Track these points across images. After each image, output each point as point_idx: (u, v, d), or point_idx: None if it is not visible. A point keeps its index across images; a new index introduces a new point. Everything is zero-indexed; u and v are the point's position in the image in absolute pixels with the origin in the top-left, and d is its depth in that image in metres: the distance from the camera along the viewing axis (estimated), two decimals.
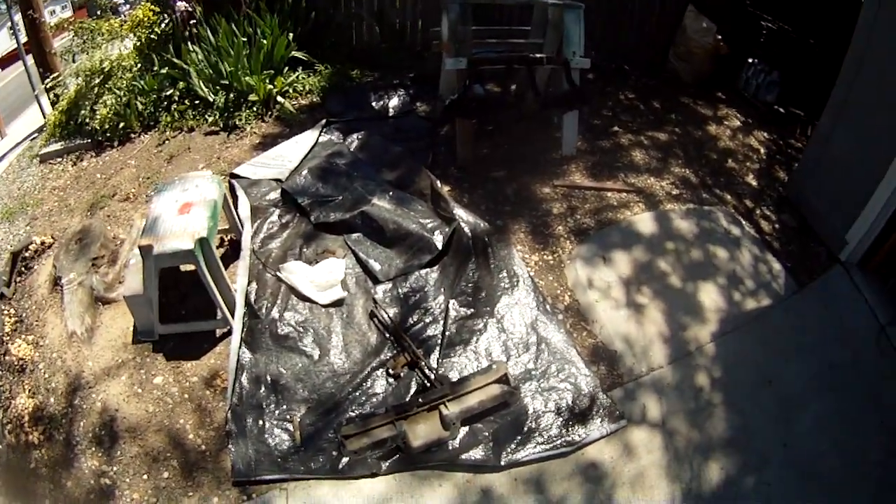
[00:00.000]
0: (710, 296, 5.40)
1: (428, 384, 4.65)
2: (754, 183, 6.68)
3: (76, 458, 4.58)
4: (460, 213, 5.63)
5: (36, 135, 9.23)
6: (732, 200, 6.37)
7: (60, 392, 4.97)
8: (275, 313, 5.08)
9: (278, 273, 5.32)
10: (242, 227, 5.66)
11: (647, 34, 8.47)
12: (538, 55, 6.43)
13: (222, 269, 4.89)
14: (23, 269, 6.30)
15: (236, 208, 5.75)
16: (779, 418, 4.75)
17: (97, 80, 7.99)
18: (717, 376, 4.92)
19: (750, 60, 8.18)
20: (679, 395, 4.79)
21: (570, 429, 4.51)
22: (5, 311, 5.83)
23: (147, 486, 4.40)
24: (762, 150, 7.28)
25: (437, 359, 4.83)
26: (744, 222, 6.10)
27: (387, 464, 4.33)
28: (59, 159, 8.03)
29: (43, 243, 6.42)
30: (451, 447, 4.38)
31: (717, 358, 5.02)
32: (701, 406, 4.76)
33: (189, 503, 4.31)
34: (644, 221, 5.94)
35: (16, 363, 5.29)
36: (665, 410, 4.70)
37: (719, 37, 7.96)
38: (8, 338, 5.56)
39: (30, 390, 5.07)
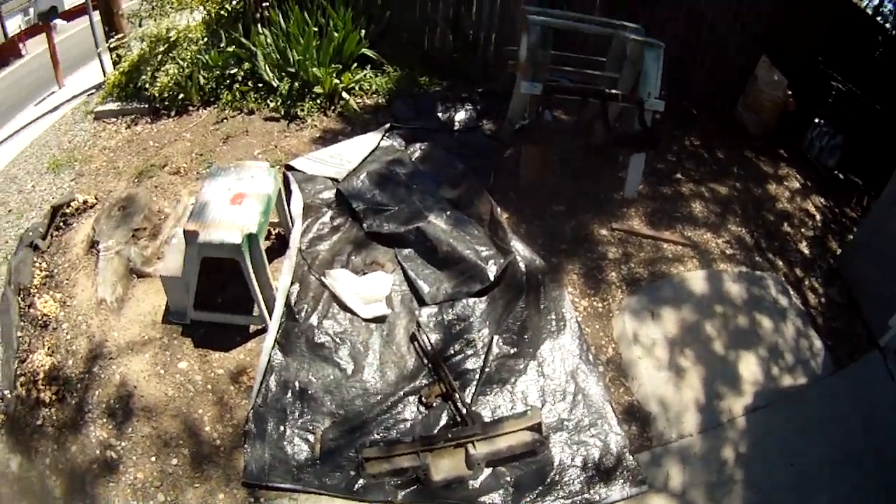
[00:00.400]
0: (749, 367, 5.26)
1: (459, 419, 4.53)
2: (806, 251, 6.50)
3: (85, 426, 4.53)
4: (518, 246, 5.49)
5: (93, 91, 9.18)
6: (784, 267, 6.19)
7: (80, 356, 4.90)
8: (314, 319, 4.96)
9: (323, 278, 5.20)
10: (293, 224, 5.53)
11: (719, 79, 8.26)
12: (614, 91, 6.25)
13: (267, 266, 4.78)
14: (61, 224, 6.24)
15: (289, 203, 5.62)
16: (797, 501, 4.64)
17: (161, 48, 7.92)
18: (743, 451, 4.81)
19: (816, 120, 7.94)
20: (704, 467, 4.68)
21: (592, 486, 4.40)
22: (37, 264, 5.78)
23: (153, 468, 4.35)
24: (818, 217, 7.09)
25: (473, 394, 4.70)
26: (792, 292, 5.93)
27: (403, 493, 4.24)
28: (114, 120, 7.97)
29: (85, 202, 6.36)
30: (471, 487, 4.28)
31: (746, 432, 4.91)
32: (723, 480, 4.65)
33: (194, 494, 4.25)
34: (696, 279, 5.80)
35: (40, 318, 5.24)
36: (687, 481, 4.60)
37: (789, 92, 7.74)
38: (36, 290, 5.51)
39: (49, 348, 5.01)
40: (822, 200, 7.35)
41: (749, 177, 7.33)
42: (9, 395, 4.85)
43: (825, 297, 6.03)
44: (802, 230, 6.78)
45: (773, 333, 5.52)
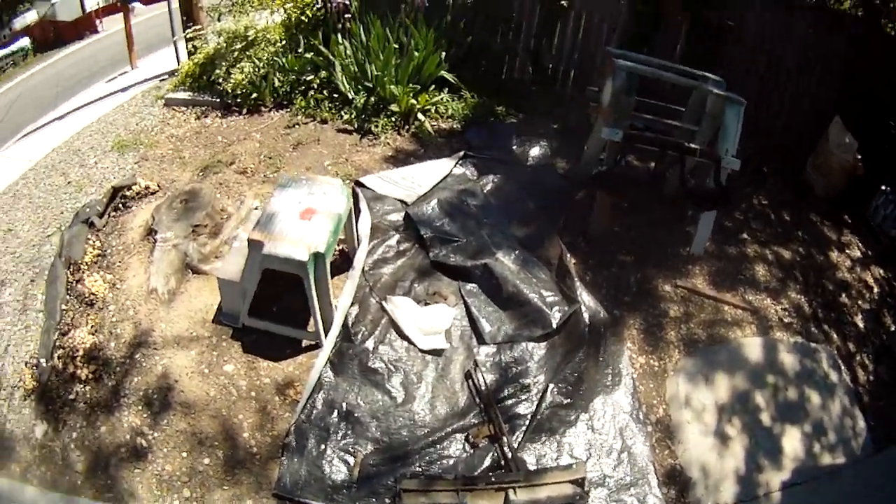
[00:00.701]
0: (792, 441, 5.13)
1: (503, 463, 4.42)
2: (861, 325, 6.32)
3: (119, 409, 4.55)
4: (584, 296, 5.38)
5: (165, 77, 9.27)
6: (837, 340, 6.03)
7: (124, 341, 4.90)
8: (370, 343, 4.89)
9: (384, 303, 5.13)
10: (359, 243, 5.48)
11: (791, 138, 8.12)
12: (693, 146, 6.11)
13: (330, 285, 4.74)
14: (120, 206, 6.29)
15: (356, 221, 5.57)
16: None
17: (238, 45, 7.98)
18: None
19: (883, 187, 7.73)
20: None
21: None
22: (90, 241, 5.81)
23: (184, 463, 4.34)
24: (875, 290, 6.88)
25: (520, 440, 4.58)
26: (843, 367, 5.78)
27: None
28: (184, 109, 8.04)
29: (147, 188, 6.39)
30: None
31: None
32: None
33: (221, 495, 4.23)
34: (753, 347, 5.66)
35: (87, 295, 5.26)
36: None
37: (859, 156, 7.55)
38: (86, 267, 5.54)
39: (92, 326, 5.03)
40: (882, 272, 7.16)
41: (812, 242, 7.18)
42: (44, 364, 4.87)
43: (874, 374, 5.88)
44: (859, 302, 6.61)
45: (820, 410, 5.39)
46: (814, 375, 5.59)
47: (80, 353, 4.81)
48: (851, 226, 7.66)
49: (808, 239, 7.16)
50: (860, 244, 7.41)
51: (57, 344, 4.97)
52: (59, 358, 4.85)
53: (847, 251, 7.21)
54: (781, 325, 5.93)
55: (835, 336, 6.05)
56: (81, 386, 4.67)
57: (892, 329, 6.37)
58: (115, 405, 4.54)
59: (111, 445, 4.36)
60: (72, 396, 4.63)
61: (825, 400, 5.44)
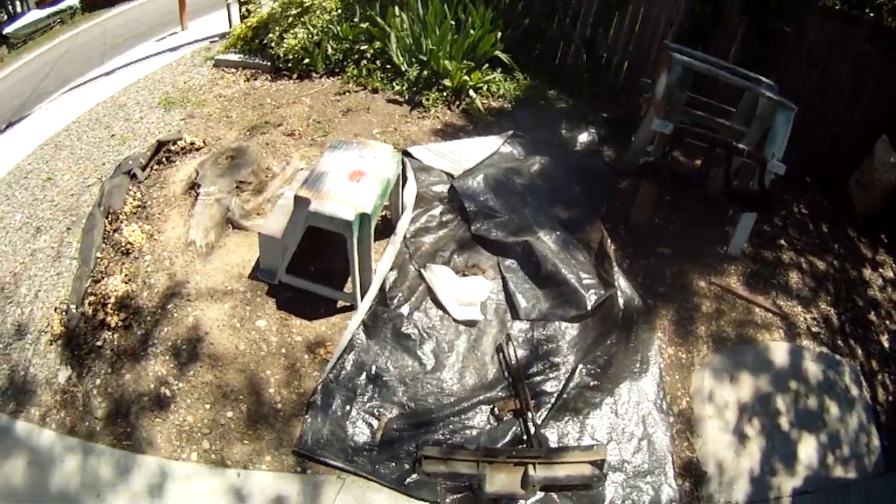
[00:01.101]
0: (807, 449, 5.11)
1: (526, 438, 4.44)
2: (886, 345, 6.24)
3: (146, 358, 4.57)
4: (621, 281, 5.35)
5: (217, 39, 9.35)
6: (861, 356, 5.97)
7: (157, 291, 4.93)
8: (405, 309, 4.89)
9: (423, 270, 5.13)
10: (403, 210, 5.47)
11: (837, 150, 8.01)
12: (741, 146, 6.04)
13: (372, 247, 4.72)
14: (164, 160, 6.33)
15: (402, 189, 5.56)
16: None
17: (294, 11, 8.01)
18: None
19: None
20: None
21: None
22: (131, 192, 5.86)
23: (206, 415, 4.35)
24: None
25: (545, 417, 4.58)
26: (864, 384, 5.73)
27: (452, 497, 4.19)
28: (233, 70, 8.08)
29: (192, 144, 6.42)
30: None
31: None
32: None
33: (241, 450, 4.24)
34: (779, 350, 5.64)
35: (123, 244, 5.28)
36: None
37: None
38: (125, 217, 5.57)
39: (126, 275, 5.05)
40: None
41: (847, 256, 7.11)
42: (74, 311, 4.91)
43: (893, 395, 5.83)
44: (887, 322, 6.53)
45: (838, 422, 5.37)
46: (835, 387, 5.57)
47: (112, 300, 4.83)
48: (887, 245, 7.58)
49: (843, 253, 7.10)
50: (894, 265, 7.34)
51: (89, 291, 5.01)
52: (89, 304, 4.89)
53: (880, 270, 7.14)
54: (809, 333, 5.89)
55: (859, 352, 6.01)
56: (110, 333, 4.69)
57: None
58: (142, 354, 4.56)
59: (134, 394, 4.39)
60: (99, 343, 4.66)
61: (844, 413, 5.43)
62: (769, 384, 5.36)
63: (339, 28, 7.71)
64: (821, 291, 6.43)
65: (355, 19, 7.76)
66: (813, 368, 5.61)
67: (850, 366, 5.78)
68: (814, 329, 5.93)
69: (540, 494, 4.25)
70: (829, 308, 6.25)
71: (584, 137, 7.14)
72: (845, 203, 7.82)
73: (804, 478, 4.95)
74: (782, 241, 6.82)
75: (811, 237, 7.11)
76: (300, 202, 4.43)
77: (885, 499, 5.09)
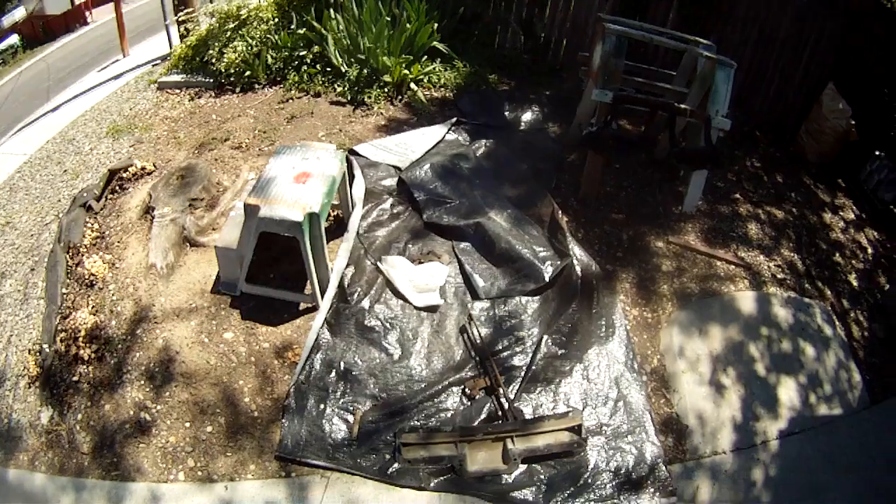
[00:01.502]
0: (787, 392, 5.17)
1: (500, 414, 4.48)
2: (855, 283, 6.38)
3: (122, 386, 4.55)
4: (576, 249, 5.39)
5: (158, 62, 9.32)
6: (831, 297, 6.08)
7: (125, 318, 4.91)
8: (365, 303, 4.92)
9: (379, 263, 5.17)
10: (353, 207, 5.51)
11: (784, 103, 8.13)
12: (683, 106, 6.14)
13: (325, 246, 4.74)
14: (117, 188, 6.31)
15: (351, 187, 5.59)
16: None
17: (231, 25, 8.02)
18: (772, 475, 4.71)
19: (877, 153, 7.75)
20: (732, 485, 4.60)
21: (623, 492, 4.32)
22: (89, 224, 5.83)
23: (187, 433, 4.36)
24: (869, 251, 6.94)
25: (516, 391, 4.63)
26: (837, 323, 5.82)
27: (436, 481, 4.21)
28: (177, 91, 8.08)
29: (143, 169, 6.41)
30: (504, 481, 4.24)
31: (777, 456, 4.81)
32: (749, 500, 4.56)
33: (225, 462, 4.25)
34: (746, 300, 5.71)
35: (86, 277, 5.26)
36: (715, 497, 4.51)
37: (853, 122, 7.58)
38: (85, 250, 5.55)
39: (93, 307, 5.04)
40: (876, 234, 7.21)
41: (805, 203, 7.23)
42: (47, 350, 4.88)
43: (868, 331, 5.93)
44: (853, 262, 6.66)
45: (815, 361, 5.43)
46: (807, 329, 5.63)
47: (82, 333, 4.81)
48: (845, 189, 7.71)
49: (801, 200, 7.20)
50: (854, 207, 7.45)
51: (59, 328, 4.98)
52: (61, 341, 4.87)
53: (841, 213, 7.25)
54: (774, 280, 5.97)
55: (828, 293, 6.10)
56: (84, 366, 4.69)
57: (887, 288, 6.42)
58: (117, 382, 4.56)
59: (116, 423, 4.39)
60: (75, 378, 4.65)
61: (820, 353, 5.49)
62: (740, 333, 5.42)
63: (277, 37, 7.72)
64: (782, 239, 6.52)
65: (292, 26, 7.76)
66: (782, 313, 5.67)
67: (820, 307, 5.86)
68: (779, 276, 6.02)
69: (523, 467, 4.28)
70: (792, 254, 6.34)
71: (528, 117, 7.22)
72: (798, 153, 7.94)
73: (789, 420, 5.01)
74: (738, 195, 6.91)
75: (766, 188, 7.21)
76: (250, 210, 4.46)
77: (873, 430, 5.14)
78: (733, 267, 5.97)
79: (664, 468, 4.48)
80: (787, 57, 7.79)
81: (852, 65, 7.67)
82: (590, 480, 4.33)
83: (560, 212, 5.82)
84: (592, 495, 4.27)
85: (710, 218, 6.47)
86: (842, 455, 4.94)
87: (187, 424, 4.37)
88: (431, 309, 4.99)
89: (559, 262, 5.23)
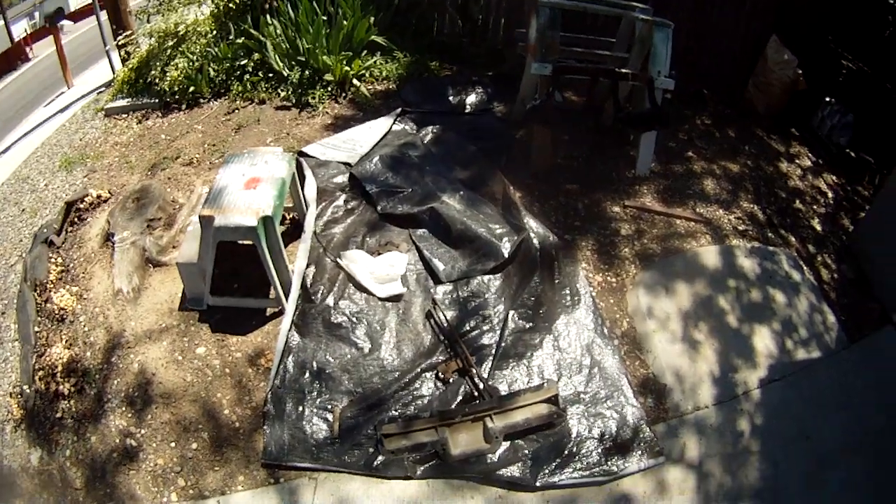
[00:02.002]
0: (763, 340, 5.24)
1: (476, 394, 4.52)
2: (819, 228, 6.49)
3: (105, 415, 4.55)
4: (531, 223, 5.47)
5: (103, 89, 9.27)
6: (796, 243, 6.18)
7: (98, 347, 4.92)
8: (330, 300, 4.95)
9: (338, 259, 5.20)
10: (307, 208, 5.54)
11: (729, 60, 8.23)
12: (624, 70, 6.22)
13: (283, 249, 4.79)
14: (76, 219, 6.28)
15: (303, 188, 5.62)
16: (810, 475, 4.60)
17: (170, 43, 8.01)
18: (759, 423, 4.78)
19: (827, 99, 7.90)
20: (719, 438, 4.66)
21: (609, 458, 4.37)
22: (52, 259, 5.80)
23: (173, 453, 4.36)
24: (830, 195, 7.08)
25: (489, 369, 4.68)
26: (805, 268, 5.91)
27: (422, 468, 4.24)
28: (125, 116, 8.03)
29: (99, 197, 6.40)
30: (489, 460, 4.27)
31: (761, 405, 4.88)
32: (738, 452, 4.62)
33: (214, 477, 4.26)
34: (709, 254, 5.78)
35: (56, 312, 5.26)
36: (703, 452, 4.57)
37: (799, 71, 7.70)
38: (52, 286, 5.53)
39: (67, 341, 5.04)
40: (835, 178, 7.34)
41: (760, 155, 7.33)
42: (28, 390, 4.87)
43: (837, 272, 6.02)
44: (815, 207, 6.77)
45: (787, 308, 5.50)
46: (775, 276, 5.71)
47: (59, 369, 4.82)
48: (799, 138, 7.84)
49: (755, 153, 7.32)
50: (810, 154, 7.59)
51: (36, 366, 4.97)
52: (40, 379, 4.86)
53: (797, 161, 7.37)
54: (736, 232, 6.06)
55: (793, 239, 6.20)
56: (66, 401, 4.69)
57: (852, 229, 6.50)
58: (100, 412, 4.56)
59: (103, 453, 4.39)
60: (58, 415, 4.64)
61: (791, 298, 5.56)
62: (707, 287, 5.49)
63: (217, 49, 7.71)
64: (740, 192, 6.62)
65: (231, 37, 7.75)
66: (748, 264, 5.75)
67: (786, 254, 5.95)
68: (740, 228, 6.11)
69: (506, 444, 4.32)
70: (752, 206, 6.44)
71: (472, 99, 7.28)
72: (748, 108, 8.08)
73: (768, 367, 5.07)
74: (690, 154, 7.01)
75: (719, 144, 7.32)
76: (205, 221, 4.48)
77: (854, 370, 5.22)
78: (693, 224, 6.04)
79: (648, 429, 4.53)
80: (728, 13, 7.86)
81: (795, 15, 7.77)
82: (574, 450, 4.37)
83: (511, 188, 5.89)
84: (579, 464, 4.32)
85: (665, 178, 6.56)
86: (827, 397, 5.01)
87: (172, 444, 4.38)
88: (395, 298, 5.03)
89: (516, 238, 5.28)
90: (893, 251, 5.75)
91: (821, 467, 4.64)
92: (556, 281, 5.27)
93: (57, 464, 4.46)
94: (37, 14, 16.94)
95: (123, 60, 8.83)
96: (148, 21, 8.84)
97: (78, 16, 16.25)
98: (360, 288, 5.05)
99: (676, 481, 4.39)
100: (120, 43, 8.86)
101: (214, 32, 7.99)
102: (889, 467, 4.70)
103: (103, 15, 9.43)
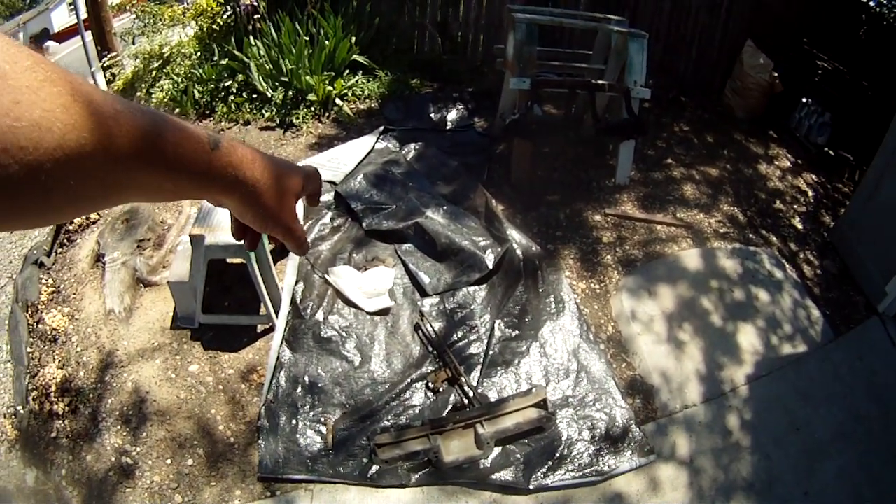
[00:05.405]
0: (748, 338, 5.33)
1: (466, 402, 4.60)
2: (800, 226, 6.61)
3: (100, 434, 4.58)
4: (514, 234, 5.59)
5: None
6: (777, 243, 6.30)
7: (91, 367, 4.97)
8: (319, 315, 5.05)
9: (326, 276, 5.30)
10: None
11: (706, 66, 8.41)
12: (600, 82, 6.38)
13: (272, 266, 4.88)
14: (65, 241, 6.34)
15: None
16: (803, 466, 4.67)
17: (155, 65, 8.07)
18: (748, 419, 4.85)
19: (804, 100, 8.07)
20: (709, 435, 4.73)
21: (601, 459, 4.44)
22: (43, 281, 5.86)
23: (169, 470, 4.39)
24: (810, 193, 7.21)
25: (478, 377, 4.78)
26: (787, 266, 6.02)
27: (416, 476, 4.29)
28: None
29: (88, 218, 6.44)
30: (482, 466, 4.34)
31: (749, 400, 4.96)
32: (729, 447, 4.69)
33: (210, 492, 4.30)
34: (691, 257, 5.90)
35: (48, 333, 5.31)
36: (694, 449, 4.64)
37: (775, 74, 7.89)
38: (43, 307, 5.58)
39: (60, 361, 5.08)
40: (814, 177, 7.48)
41: (739, 158, 7.47)
42: (21, 411, 4.90)
43: (820, 268, 6.13)
44: (795, 206, 6.90)
45: (771, 305, 5.60)
46: (758, 275, 5.82)
47: (53, 388, 4.86)
48: (778, 140, 8.00)
49: (734, 156, 7.46)
50: (789, 155, 7.73)
51: (29, 387, 5.00)
52: (33, 399, 4.89)
53: (776, 162, 7.51)
54: (717, 235, 6.18)
55: (774, 239, 6.32)
56: (60, 421, 4.71)
57: (832, 226, 6.63)
58: (95, 431, 4.60)
59: (100, 472, 4.41)
60: (53, 434, 4.66)
61: (774, 296, 5.67)
62: (690, 289, 5.59)
63: (201, 70, 7.78)
64: (720, 195, 6.75)
65: (215, 58, 7.84)
66: (729, 264, 5.87)
67: (767, 253, 6.07)
68: (721, 230, 6.23)
69: (497, 450, 4.39)
70: (732, 208, 6.57)
71: (453, 115, 7.42)
72: (726, 112, 8.27)
73: (754, 364, 5.14)
74: (669, 160, 7.15)
75: (698, 150, 7.47)
76: (196, 241, 4.56)
77: (844, 361, 5.31)
78: (674, 229, 6.15)
79: (637, 429, 4.60)
80: (703, 20, 8.07)
81: (769, 19, 7.97)
82: (566, 452, 4.44)
83: (494, 200, 6.01)
84: (571, 466, 4.38)
85: (645, 185, 6.68)
86: (817, 389, 5.07)
87: (168, 461, 4.41)
88: (383, 312, 5.12)
89: (499, 249, 5.40)
90: (873, 244, 5.87)
91: (813, 458, 4.70)
92: (541, 289, 5.39)
93: (53, 483, 4.47)
94: (21, 35, 16.82)
95: (109, 82, 8.87)
96: (133, 43, 8.90)
97: (62, 37, 16.19)
98: (349, 303, 5.14)
99: (669, 478, 4.46)
100: (105, 65, 8.91)
101: (199, 54, 8.07)
102: (880, 454, 4.77)
103: (88, 36, 9.48)
